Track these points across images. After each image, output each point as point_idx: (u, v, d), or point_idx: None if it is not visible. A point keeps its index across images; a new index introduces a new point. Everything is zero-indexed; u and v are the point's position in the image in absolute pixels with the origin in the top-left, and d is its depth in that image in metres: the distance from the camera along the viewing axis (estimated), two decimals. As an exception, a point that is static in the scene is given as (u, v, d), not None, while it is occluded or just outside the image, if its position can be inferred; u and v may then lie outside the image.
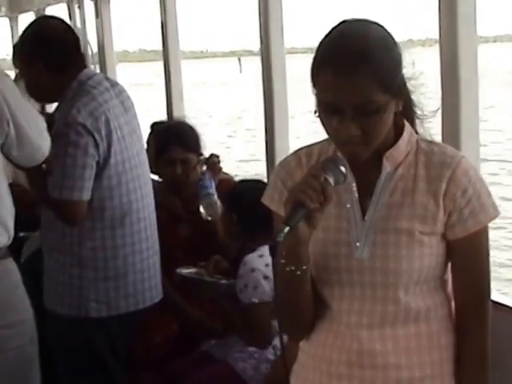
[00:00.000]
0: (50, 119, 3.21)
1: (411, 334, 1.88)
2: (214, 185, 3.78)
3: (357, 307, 1.88)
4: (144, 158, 3.41)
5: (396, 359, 1.88)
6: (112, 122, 3.19)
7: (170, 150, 3.90)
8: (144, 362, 3.67)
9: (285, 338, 1.96)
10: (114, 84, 3.38)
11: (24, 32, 3.41)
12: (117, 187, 3.22)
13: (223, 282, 3.48)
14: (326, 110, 1.78)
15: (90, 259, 3.22)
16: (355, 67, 1.72)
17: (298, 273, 1.82)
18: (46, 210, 3.26)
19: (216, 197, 3.77)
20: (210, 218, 3.78)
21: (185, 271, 3.54)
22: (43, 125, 3.02)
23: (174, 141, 3.91)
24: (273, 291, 3.24)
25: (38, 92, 3.30)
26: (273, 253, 1.75)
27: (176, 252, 3.85)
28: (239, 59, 64.50)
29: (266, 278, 3.30)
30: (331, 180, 1.78)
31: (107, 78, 3.43)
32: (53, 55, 3.23)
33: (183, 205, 3.97)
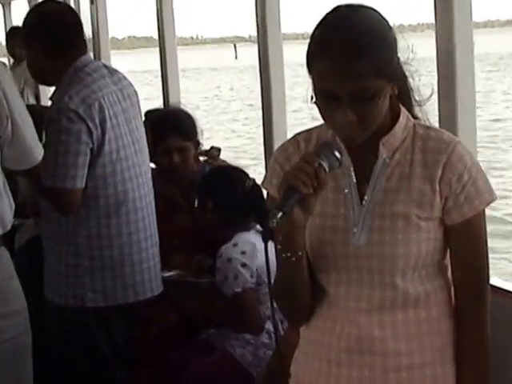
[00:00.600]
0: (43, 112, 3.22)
1: (410, 319, 1.89)
2: None
3: (354, 292, 1.89)
4: (143, 147, 3.38)
5: (395, 345, 1.89)
6: (106, 109, 3.17)
7: (167, 138, 3.87)
8: (143, 353, 3.67)
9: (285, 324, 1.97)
10: (113, 71, 3.35)
11: (26, 17, 3.40)
12: (111, 176, 3.20)
13: (204, 280, 3.52)
14: (323, 96, 1.79)
15: (85, 248, 3.20)
16: (350, 54, 1.73)
17: (294, 259, 1.83)
18: (43, 200, 3.25)
19: None
20: None
21: (166, 274, 3.55)
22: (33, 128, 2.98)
23: (170, 129, 3.89)
24: (257, 277, 3.28)
25: (39, 74, 3.30)
26: (265, 238, 1.76)
27: (175, 241, 3.86)
28: (235, 45, 64.30)
29: (244, 265, 3.31)
30: (325, 165, 1.78)
31: (106, 66, 3.40)
32: (55, 36, 3.23)
33: (181, 193, 3.96)
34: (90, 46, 6.27)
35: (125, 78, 3.38)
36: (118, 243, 3.25)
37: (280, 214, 1.73)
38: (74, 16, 3.38)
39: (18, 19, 8.14)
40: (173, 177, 3.96)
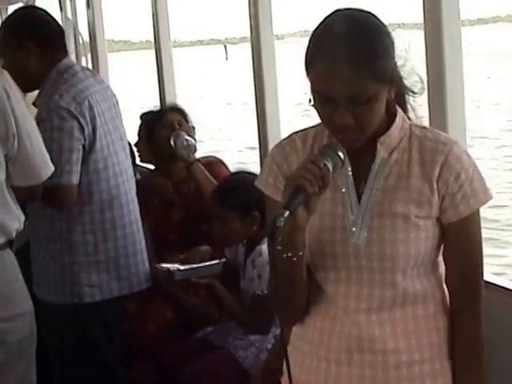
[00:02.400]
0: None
1: (409, 317, 1.90)
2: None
3: (354, 291, 1.89)
4: (125, 144, 3.44)
5: (395, 343, 1.90)
6: (95, 106, 3.22)
7: (166, 114, 4.01)
8: (139, 350, 3.70)
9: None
10: (94, 73, 3.45)
11: (6, 20, 3.43)
12: (104, 170, 3.26)
13: (206, 264, 3.50)
14: (320, 100, 1.80)
15: (80, 244, 3.24)
16: (347, 58, 1.74)
17: (295, 259, 1.84)
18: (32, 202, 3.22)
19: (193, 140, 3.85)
20: (184, 153, 3.84)
21: (169, 266, 3.53)
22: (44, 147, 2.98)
23: (169, 108, 4.08)
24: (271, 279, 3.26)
25: (25, 77, 3.26)
26: (272, 238, 1.76)
27: (170, 236, 3.89)
28: (225, 46, 64.09)
29: None
30: (330, 166, 1.80)
31: (87, 68, 3.49)
32: (43, 35, 3.26)
33: (174, 188, 4.00)
34: (87, 48, 6.36)
35: (103, 80, 3.46)
36: (113, 236, 3.29)
37: (287, 214, 1.74)
38: (55, 20, 3.43)
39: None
40: (166, 171, 4.02)
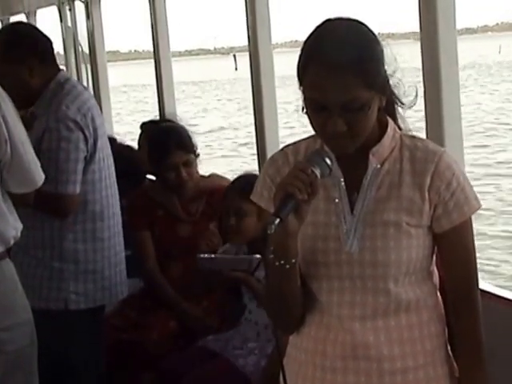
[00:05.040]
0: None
1: (403, 324, 1.93)
2: None
3: (348, 299, 1.92)
4: (112, 160, 3.48)
5: (389, 350, 1.92)
6: (96, 119, 3.29)
7: (173, 154, 3.88)
8: (141, 360, 3.70)
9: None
10: (86, 87, 3.53)
11: (3, 35, 3.43)
12: (98, 181, 3.33)
13: (242, 256, 3.40)
14: (314, 107, 1.83)
15: (70, 252, 3.29)
16: (341, 66, 1.78)
17: (288, 267, 1.86)
18: (22, 209, 3.16)
19: None
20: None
21: (206, 255, 3.48)
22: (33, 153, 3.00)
23: (174, 145, 3.90)
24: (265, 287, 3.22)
25: (27, 92, 3.29)
26: (264, 246, 1.79)
27: (173, 250, 3.89)
28: (234, 56, 64.00)
29: None
30: (317, 172, 1.82)
31: (80, 83, 3.54)
32: (42, 50, 3.31)
33: (181, 205, 3.97)
34: (87, 59, 6.40)
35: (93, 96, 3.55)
36: (101, 247, 3.36)
37: (277, 221, 1.76)
38: (45, 34, 3.45)
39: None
40: (179, 191, 3.95)
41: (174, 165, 3.88)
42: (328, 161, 1.86)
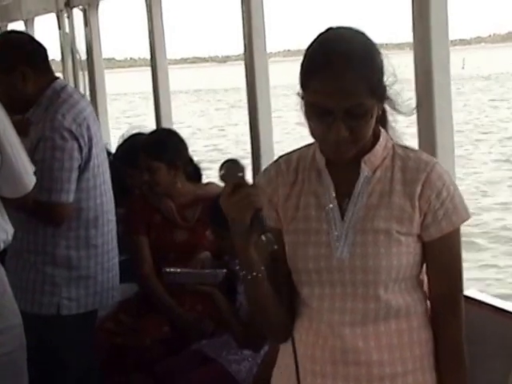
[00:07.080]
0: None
1: (392, 330, 1.95)
2: None
3: (338, 305, 1.93)
4: (107, 166, 3.52)
5: (379, 356, 1.94)
6: (91, 128, 3.32)
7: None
8: (135, 364, 3.72)
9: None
10: (83, 95, 3.53)
11: None
12: (93, 189, 3.35)
13: (207, 271, 3.54)
14: (317, 113, 1.85)
15: (64, 258, 3.31)
16: (346, 72, 1.81)
17: (249, 277, 1.89)
18: (16, 213, 3.18)
19: None
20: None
21: (172, 269, 3.59)
22: (27, 158, 3.03)
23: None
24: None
25: (21, 100, 3.31)
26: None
27: (170, 255, 3.91)
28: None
29: None
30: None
31: (77, 91, 3.55)
32: (35, 57, 3.32)
33: (178, 211, 3.98)
34: (83, 67, 6.42)
35: (90, 103, 3.56)
36: (94, 253, 3.38)
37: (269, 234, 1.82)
38: (39, 42, 3.47)
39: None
40: (170, 194, 3.98)
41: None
42: (240, 174, 1.87)
